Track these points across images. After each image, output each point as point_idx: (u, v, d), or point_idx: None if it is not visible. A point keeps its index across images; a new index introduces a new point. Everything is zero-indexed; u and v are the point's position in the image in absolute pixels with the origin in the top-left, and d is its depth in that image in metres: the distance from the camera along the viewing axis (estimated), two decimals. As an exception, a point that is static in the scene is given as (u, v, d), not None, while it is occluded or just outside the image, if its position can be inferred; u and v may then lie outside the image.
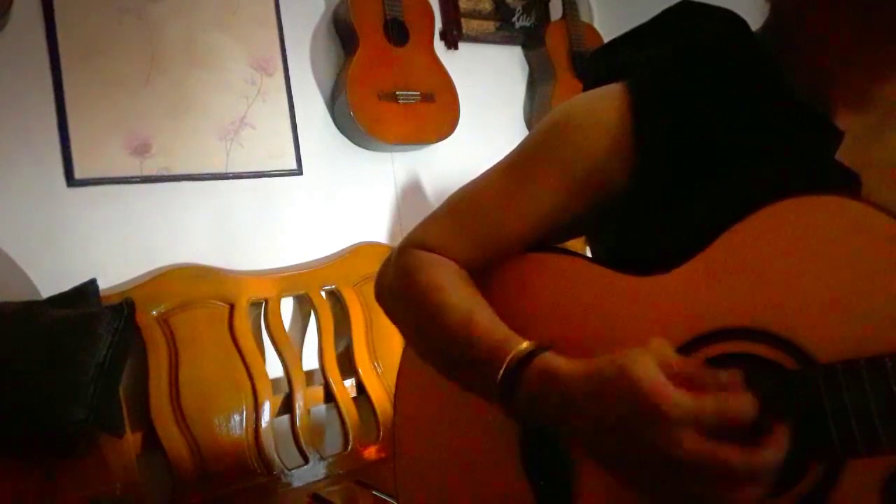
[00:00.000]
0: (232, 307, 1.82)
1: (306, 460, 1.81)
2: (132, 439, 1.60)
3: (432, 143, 2.23)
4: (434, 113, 2.19)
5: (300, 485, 1.76)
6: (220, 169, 1.92)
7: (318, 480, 1.79)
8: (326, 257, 2.09)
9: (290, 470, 1.78)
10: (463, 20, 2.46)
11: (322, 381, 1.93)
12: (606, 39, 0.70)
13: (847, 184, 0.60)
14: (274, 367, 1.87)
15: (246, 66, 1.99)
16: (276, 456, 1.77)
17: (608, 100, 0.68)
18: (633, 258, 0.67)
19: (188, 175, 1.87)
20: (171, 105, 1.86)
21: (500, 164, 0.75)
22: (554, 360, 0.60)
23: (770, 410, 0.55)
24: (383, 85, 2.10)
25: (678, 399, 0.52)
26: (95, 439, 1.48)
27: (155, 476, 1.65)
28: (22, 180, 1.66)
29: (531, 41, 2.59)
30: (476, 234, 0.74)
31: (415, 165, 2.30)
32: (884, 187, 0.61)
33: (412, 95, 2.14)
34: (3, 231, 1.63)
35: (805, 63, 0.64)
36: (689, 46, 0.67)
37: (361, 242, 2.14)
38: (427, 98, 2.17)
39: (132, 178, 1.79)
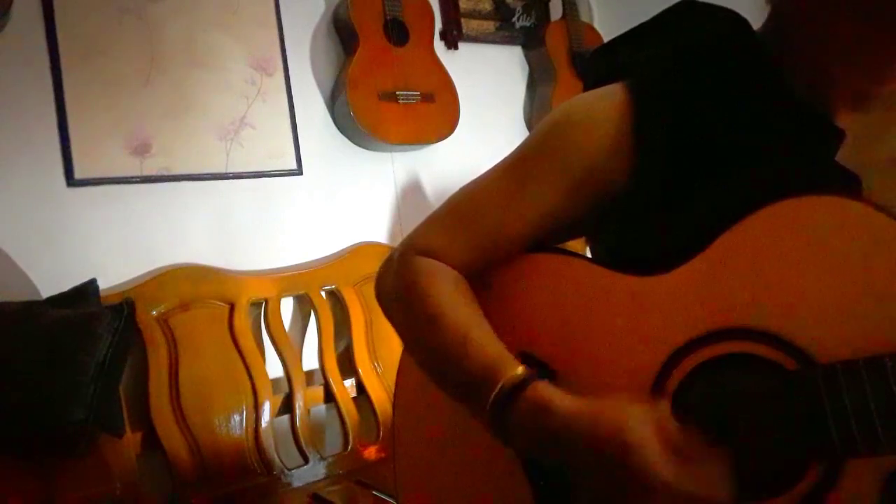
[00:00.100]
0: (232, 307, 1.82)
1: (306, 460, 1.81)
2: (132, 439, 1.60)
3: (432, 143, 2.23)
4: (434, 113, 2.19)
5: (300, 485, 1.76)
6: (220, 169, 1.92)
7: (318, 480, 1.79)
8: (326, 257, 2.09)
9: (290, 470, 1.78)
10: (463, 20, 2.46)
11: (322, 381, 1.93)
12: (606, 39, 0.70)
13: (847, 184, 0.60)
14: (274, 367, 1.87)
15: (246, 66, 1.99)
16: (276, 456, 1.77)
17: (608, 100, 0.68)
18: (633, 258, 0.67)
19: (188, 175, 1.87)
20: (171, 105, 1.86)
21: (500, 164, 0.75)
22: (547, 392, 0.61)
23: (770, 410, 0.55)
24: (383, 85, 2.10)
25: (666, 474, 0.53)
26: (95, 439, 1.48)
27: (155, 476, 1.65)
28: (22, 180, 1.66)
29: (531, 41, 2.59)
30: (476, 235, 0.73)
31: (415, 165, 2.30)
32: (884, 187, 0.61)
33: (412, 95, 2.14)
34: (3, 231, 1.63)
35: (805, 63, 0.64)
36: (690, 46, 0.67)
37: (361, 242, 2.14)
38: (427, 98, 2.17)
39: (132, 178, 1.79)
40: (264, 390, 1.79)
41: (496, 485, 0.73)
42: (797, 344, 0.56)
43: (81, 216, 1.73)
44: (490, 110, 2.48)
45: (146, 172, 1.81)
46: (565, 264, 0.72)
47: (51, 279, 1.64)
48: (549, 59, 2.51)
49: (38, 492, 1.40)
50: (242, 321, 1.82)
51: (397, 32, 2.15)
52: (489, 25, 2.54)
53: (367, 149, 2.20)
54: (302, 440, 1.82)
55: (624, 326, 0.65)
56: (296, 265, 2.02)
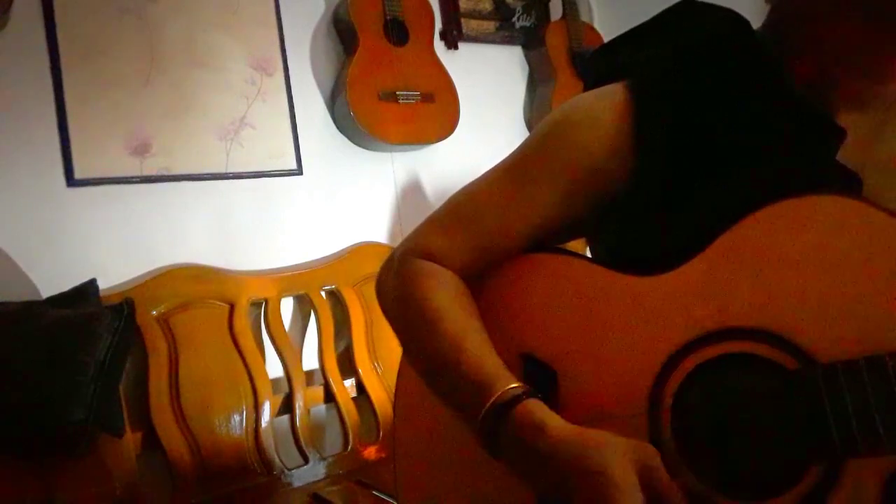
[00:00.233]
0: (232, 307, 1.82)
1: (306, 460, 1.81)
2: (132, 439, 1.60)
3: (432, 143, 2.23)
4: (434, 113, 2.19)
5: (300, 485, 1.76)
6: (220, 169, 1.92)
7: (318, 480, 1.79)
8: (326, 257, 2.09)
9: (290, 470, 1.78)
10: (463, 20, 2.46)
11: (322, 381, 1.93)
12: (606, 39, 0.70)
13: (848, 183, 0.60)
14: (274, 367, 1.87)
15: (246, 66, 1.99)
16: (276, 456, 1.77)
17: (608, 99, 0.68)
18: (633, 258, 0.66)
19: (188, 175, 1.87)
20: (171, 105, 1.86)
21: (500, 165, 0.75)
22: (539, 411, 0.60)
23: (770, 410, 0.55)
24: (383, 85, 2.10)
25: None
26: (95, 439, 1.48)
27: (155, 476, 1.65)
28: (22, 180, 1.66)
29: (531, 41, 2.59)
30: (476, 236, 0.73)
31: (415, 165, 2.30)
32: (884, 187, 0.61)
33: (412, 95, 2.14)
34: (3, 231, 1.63)
35: (805, 63, 0.64)
36: (690, 46, 0.67)
37: (361, 242, 2.14)
38: (427, 98, 2.17)
39: (132, 178, 1.79)
40: (264, 390, 1.79)
41: (496, 485, 0.73)
42: (797, 343, 0.56)
43: (81, 216, 1.73)
44: (490, 110, 2.48)
45: (146, 172, 1.81)
46: (565, 264, 0.72)
47: (51, 279, 1.64)
48: (549, 59, 2.51)
49: (38, 492, 1.40)
50: (242, 321, 1.82)
51: (397, 32, 2.15)
52: (489, 25, 2.54)
53: (367, 149, 2.20)
54: (302, 440, 1.82)
55: (624, 326, 0.65)
56: (296, 265, 2.02)
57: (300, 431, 1.82)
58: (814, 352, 0.55)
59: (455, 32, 2.42)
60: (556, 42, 2.52)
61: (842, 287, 0.55)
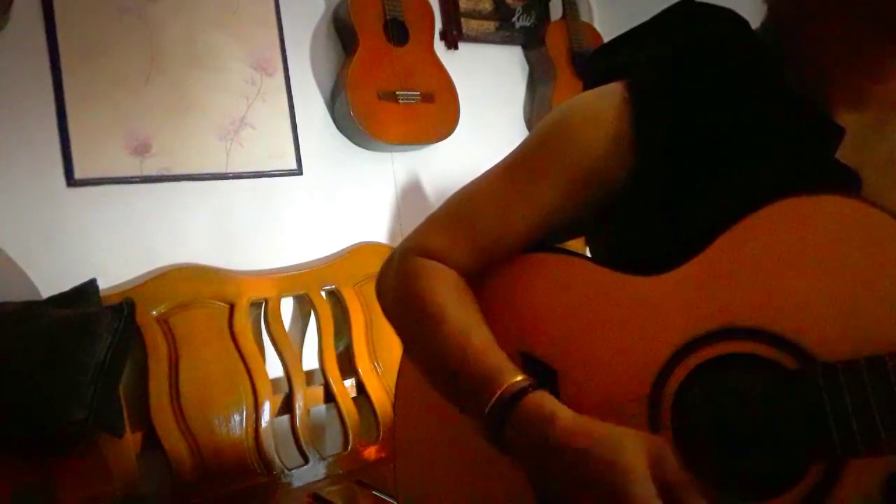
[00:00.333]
0: (232, 307, 1.82)
1: (306, 460, 1.81)
2: (132, 439, 1.60)
3: (432, 143, 2.23)
4: (434, 113, 2.19)
5: (300, 485, 1.76)
6: (220, 169, 1.92)
7: (318, 480, 1.78)
8: (326, 257, 2.09)
9: (290, 470, 1.78)
10: (463, 20, 2.46)
11: (322, 381, 1.93)
12: (606, 39, 0.70)
13: (847, 182, 0.60)
14: (274, 367, 1.87)
15: (246, 66, 1.99)
16: (276, 456, 1.77)
17: (608, 99, 0.68)
18: (633, 258, 0.66)
19: (188, 175, 1.87)
20: (171, 105, 1.86)
21: (499, 164, 0.75)
22: (549, 402, 0.60)
23: (770, 410, 0.55)
24: (383, 85, 2.10)
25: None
26: (95, 439, 1.48)
27: (155, 476, 1.65)
28: (22, 180, 1.66)
29: (531, 41, 2.59)
30: (476, 235, 0.73)
31: (415, 165, 2.30)
32: (883, 185, 0.61)
33: (412, 95, 2.14)
34: (3, 231, 1.63)
35: (803, 63, 0.64)
36: (689, 46, 0.67)
37: (361, 242, 2.14)
38: (427, 98, 2.17)
39: (132, 178, 1.79)
40: (264, 390, 1.79)
41: (496, 484, 0.73)
42: (797, 343, 0.56)
43: (81, 216, 1.73)
44: (490, 110, 2.48)
45: (146, 172, 1.81)
46: (565, 264, 0.72)
47: (51, 279, 1.64)
48: (549, 59, 2.51)
49: (38, 492, 1.40)
50: (242, 321, 1.82)
51: (397, 32, 2.15)
52: (489, 25, 2.54)
53: (367, 149, 2.20)
54: (302, 440, 1.82)
55: (624, 326, 0.65)
56: (296, 265, 2.02)
57: (300, 431, 1.82)
58: (814, 352, 0.55)
59: (455, 32, 2.42)
60: (556, 42, 2.52)
61: (842, 287, 0.55)
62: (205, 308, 1.79)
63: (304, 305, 2.01)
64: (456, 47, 2.42)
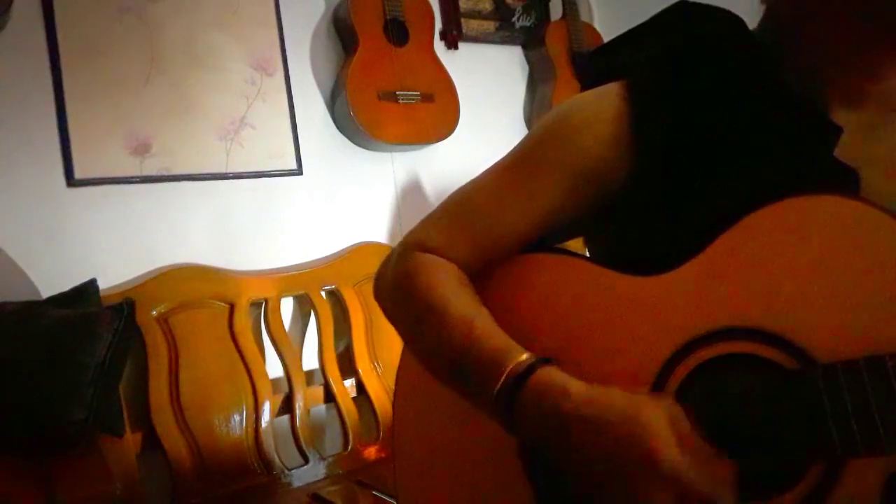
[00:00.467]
0: (232, 307, 1.82)
1: (306, 460, 1.81)
2: (132, 439, 1.60)
3: (432, 143, 2.23)
4: (434, 113, 2.19)
5: (300, 485, 1.76)
6: (220, 169, 1.92)
7: (318, 480, 1.79)
8: (326, 257, 2.09)
9: (290, 470, 1.78)
10: (463, 20, 2.46)
11: (322, 381, 1.93)
12: (606, 39, 0.70)
13: (846, 181, 0.60)
14: (274, 367, 1.87)
15: (246, 66, 1.99)
16: (276, 456, 1.77)
17: (607, 99, 0.68)
18: (633, 258, 0.66)
19: (188, 175, 1.87)
20: (171, 105, 1.86)
21: (498, 163, 0.75)
22: (559, 375, 0.60)
23: (770, 410, 0.55)
24: (383, 85, 2.10)
25: (676, 459, 0.53)
26: (95, 439, 1.48)
27: (155, 476, 1.65)
28: (22, 180, 1.66)
29: (531, 41, 2.59)
30: (475, 234, 0.73)
31: (415, 165, 2.30)
32: (881, 184, 0.61)
33: (412, 95, 2.14)
34: (3, 231, 1.63)
35: (801, 62, 0.64)
36: (688, 46, 0.67)
37: (361, 242, 2.14)
38: (427, 98, 2.17)
39: (132, 178, 1.79)
40: (264, 390, 1.79)
41: (496, 484, 0.73)
42: (797, 343, 0.56)
43: (81, 216, 1.73)
44: (490, 110, 2.48)
45: (146, 172, 1.81)
46: (565, 264, 0.72)
47: (51, 279, 1.64)
48: (549, 59, 2.51)
49: (38, 492, 1.40)
50: (242, 321, 1.82)
51: (397, 32, 2.15)
52: (489, 25, 2.54)
53: (367, 149, 2.20)
54: (302, 440, 1.82)
55: (624, 326, 0.65)
56: (296, 265, 2.02)
57: (300, 431, 1.82)
58: (814, 352, 0.55)
59: (455, 32, 2.42)
60: (556, 42, 2.53)
61: (842, 287, 0.55)
62: (205, 308, 1.79)
63: (304, 305, 2.01)
64: (456, 47, 2.42)
